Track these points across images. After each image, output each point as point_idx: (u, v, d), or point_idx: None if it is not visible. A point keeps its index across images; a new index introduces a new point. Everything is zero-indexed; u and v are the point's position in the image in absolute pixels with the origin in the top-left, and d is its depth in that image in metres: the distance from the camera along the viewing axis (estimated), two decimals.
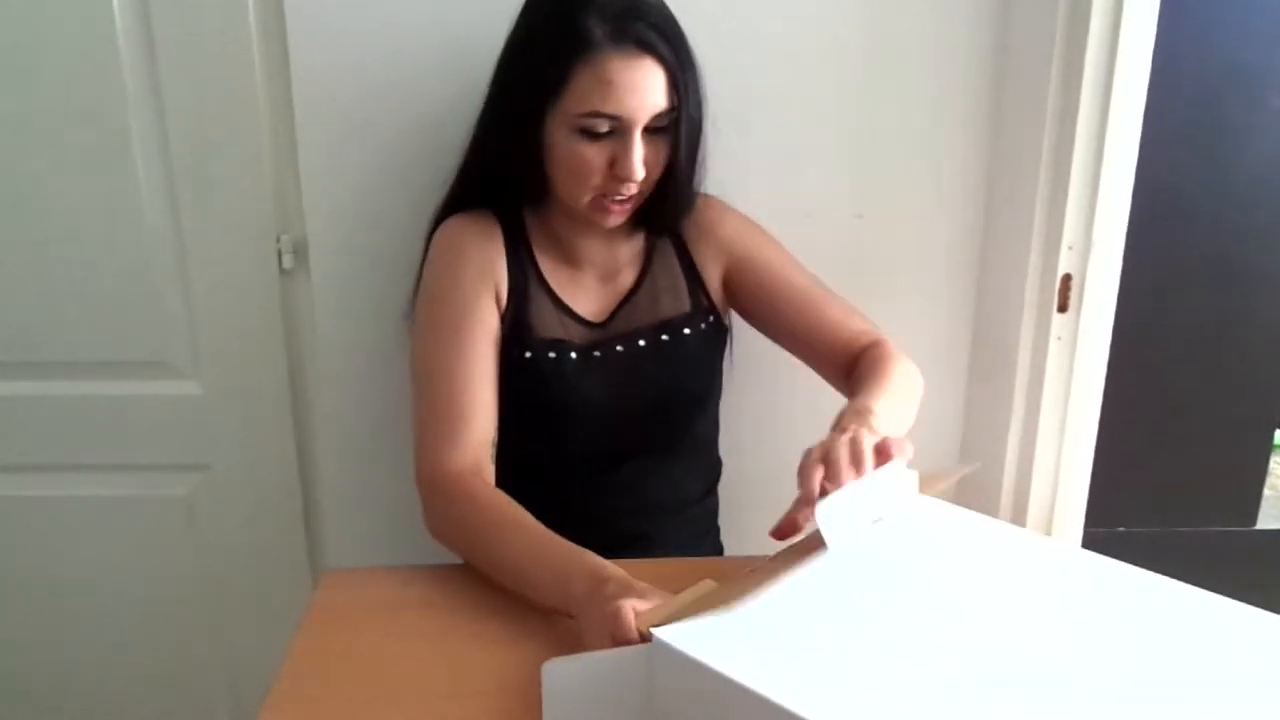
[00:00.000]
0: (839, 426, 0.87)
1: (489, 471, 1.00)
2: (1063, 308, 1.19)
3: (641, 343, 1.07)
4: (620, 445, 1.08)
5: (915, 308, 1.32)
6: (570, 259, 1.09)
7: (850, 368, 1.06)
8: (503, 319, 1.04)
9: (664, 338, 1.08)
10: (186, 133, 1.22)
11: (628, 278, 1.10)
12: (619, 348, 1.07)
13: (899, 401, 0.97)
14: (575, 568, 0.83)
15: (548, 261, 1.08)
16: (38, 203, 1.24)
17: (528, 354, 1.04)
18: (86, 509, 1.38)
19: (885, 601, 0.74)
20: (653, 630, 0.68)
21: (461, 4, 1.17)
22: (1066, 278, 1.18)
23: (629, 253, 1.10)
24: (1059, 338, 1.20)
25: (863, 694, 0.64)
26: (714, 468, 1.20)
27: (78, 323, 1.29)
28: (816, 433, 1.31)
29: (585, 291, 1.09)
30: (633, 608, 0.73)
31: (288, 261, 1.28)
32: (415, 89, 1.20)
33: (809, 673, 0.65)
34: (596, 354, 1.06)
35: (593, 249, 1.09)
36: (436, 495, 0.97)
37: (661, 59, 0.93)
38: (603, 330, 1.08)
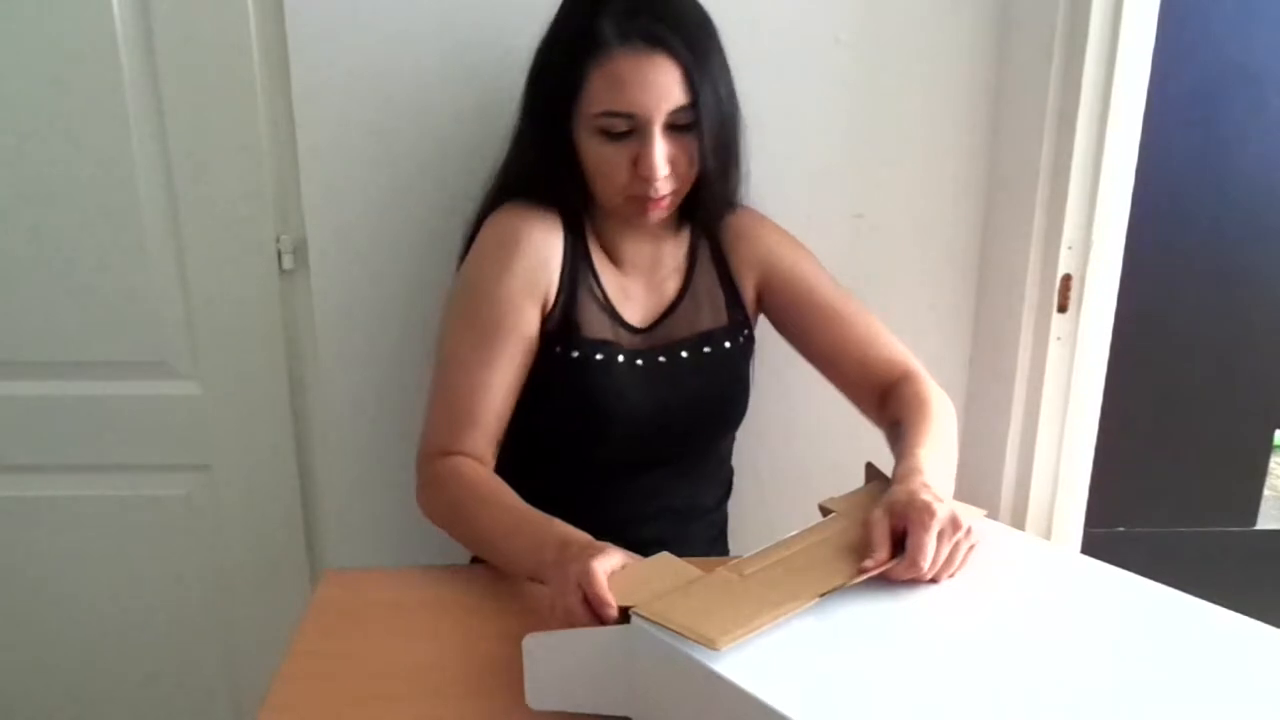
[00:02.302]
0: (910, 504, 0.79)
1: (488, 467, 1.00)
2: (1063, 308, 1.19)
3: (684, 354, 1.07)
4: (649, 453, 1.07)
5: (915, 308, 1.32)
6: (618, 262, 1.08)
7: (880, 396, 1.05)
8: (549, 316, 1.03)
9: (705, 350, 1.08)
10: (186, 133, 1.22)
11: (671, 286, 1.09)
12: (661, 358, 1.06)
13: (949, 460, 0.95)
14: (545, 536, 0.86)
15: (600, 262, 1.07)
16: (38, 204, 1.24)
17: (575, 353, 1.02)
18: (86, 509, 1.38)
19: (876, 601, 0.74)
20: (633, 613, 0.70)
21: (462, 4, 1.17)
22: (1066, 278, 1.18)
23: (673, 260, 1.10)
24: (1059, 338, 1.20)
25: (842, 690, 0.64)
26: (729, 476, 1.20)
27: (78, 323, 1.29)
28: (826, 443, 1.32)
29: (631, 297, 1.08)
30: (604, 571, 0.75)
31: (287, 262, 1.28)
32: (416, 89, 1.20)
33: (787, 665, 0.66)
34: (639, 361, 1.05)
35: (639, 253, 1.08)
36: (430, 475, 1.00)
37: (673, 53, 0.92)
38: (646, 337, 1.07)
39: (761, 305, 1.12)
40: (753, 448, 1.24)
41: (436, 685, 0.80)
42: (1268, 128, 1.54)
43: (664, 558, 0.79)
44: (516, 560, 0.90)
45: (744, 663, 0.65)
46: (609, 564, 0.76)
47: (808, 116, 1.24)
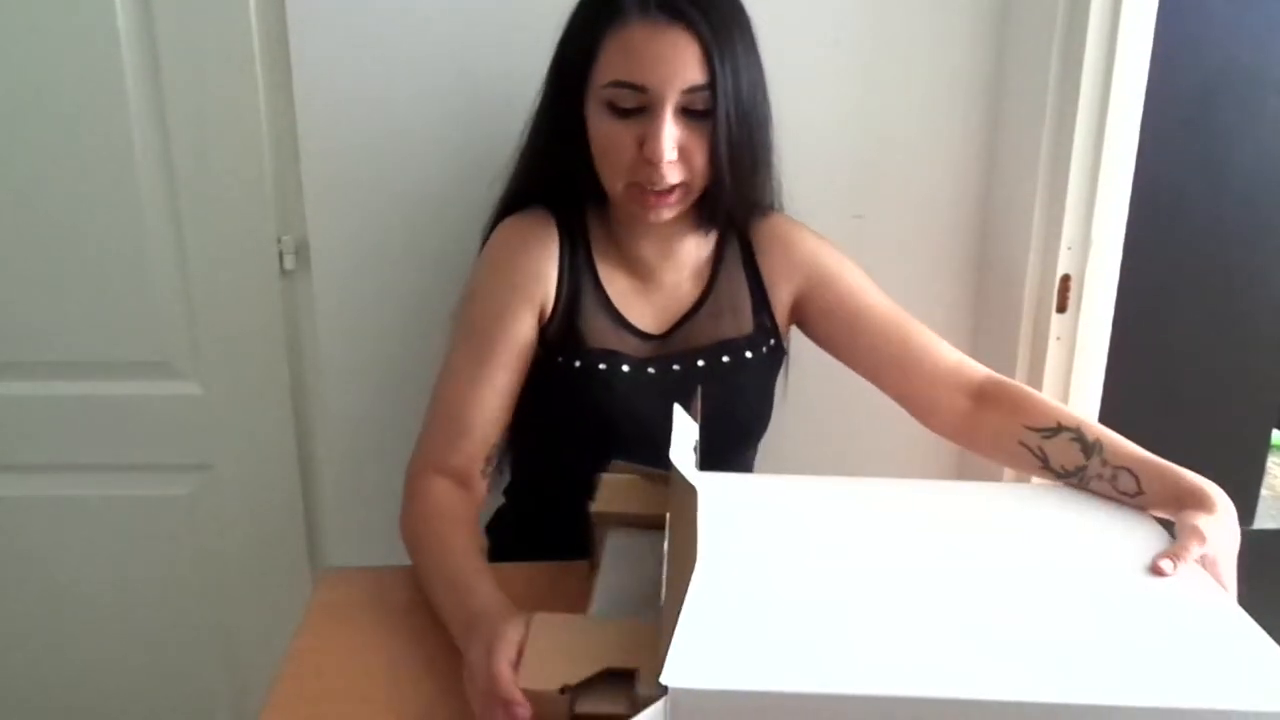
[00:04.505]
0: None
1: (477, 484, 0.97)
2: (1062, 308, 1.19)
3: (700, 363, 1.03)
4: (663, 464, 1.05)
5: (915, 308, 1.31)
6: (630, 265, 1.04)
7: (968, 400, 1.00)
8: (549, 326, 1.00)
9: (724, 359, 1.03)
10: (188, 133, 1.22)
11: (691, 290, 1.05)
12: (675, 366, 1.02)
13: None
14: (464, 595, 0.81)
15: (607, 266, 1.03)
16: (39, 203, 1.24)
17: (578, 363, 1.00)
18: (86, 509, 1.38)
19: (866, 562, 0.74)
20: (666, 684, 0.58)
21: (465, 4, 1.17)
22: (1065, 278, 1.18)
23: (694, 262, 1.05)
24: (1058, 338, 1.20)
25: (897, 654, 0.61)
26: None
27: (78, 323, 1.29)
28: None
29: (644, 301, 1.04)
30: (508, 662, 0.68)
31: (289, 262, 1.29)
32: (418, 90, 1.20)
33: (840, 652, 0.62)
34: (650, 370, 1.01)
35: (653, 254, 1.03)
36: (410, 492, 0.96)
37: (693, 29, 0.87)
38: (659, 344, 1.04)
39: (800, 315, 1.07)
40: (777, 460, 1.21)
41: (437, 685, 0.80)
42: (1267, 127, 1.54)
43: (543, 619, 0.72)
44: (438, 610, 0.85)
45: (815, 671, 0.59)
46: (508, 656, 0.68)
47: (807, 116, 1.24)
